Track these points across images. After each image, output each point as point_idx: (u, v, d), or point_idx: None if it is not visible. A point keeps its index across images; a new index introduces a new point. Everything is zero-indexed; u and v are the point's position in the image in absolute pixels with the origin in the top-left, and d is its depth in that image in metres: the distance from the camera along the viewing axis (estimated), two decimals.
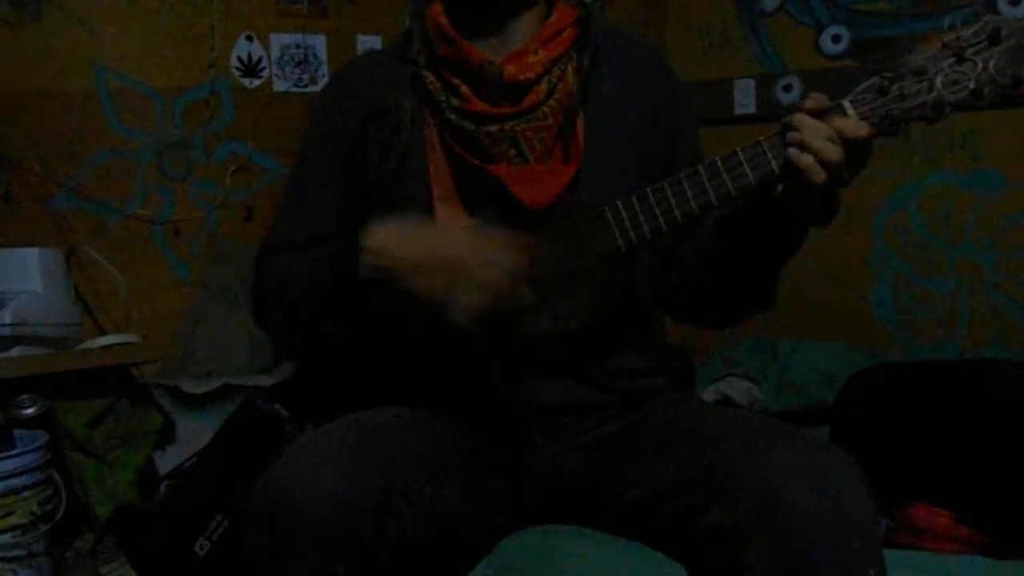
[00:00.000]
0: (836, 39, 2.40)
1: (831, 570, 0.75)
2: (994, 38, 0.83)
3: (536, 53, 1.02)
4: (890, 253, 2.38)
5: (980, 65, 0.83)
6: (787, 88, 2.46)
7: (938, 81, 0.84)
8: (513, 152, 1.01)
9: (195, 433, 1.89)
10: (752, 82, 2.52)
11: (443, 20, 1.04)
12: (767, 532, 0.77)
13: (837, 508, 0.76)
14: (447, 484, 0.92)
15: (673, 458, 0.92)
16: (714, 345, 2.39)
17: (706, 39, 2.63)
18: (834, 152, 0.83)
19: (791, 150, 0.84)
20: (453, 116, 1.02)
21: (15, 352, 1.72)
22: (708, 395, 2.18)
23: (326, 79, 2.31)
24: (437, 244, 0.91)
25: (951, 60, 0.84)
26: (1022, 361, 1.76)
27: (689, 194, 0.89)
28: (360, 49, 2.35)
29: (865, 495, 0.79)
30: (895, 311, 2.39)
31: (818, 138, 0.83)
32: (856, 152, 0.84)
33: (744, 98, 2.53)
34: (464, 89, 1.02)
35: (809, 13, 2.45)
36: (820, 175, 0.83)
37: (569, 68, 1.04)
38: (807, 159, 0.83)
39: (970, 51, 0.83)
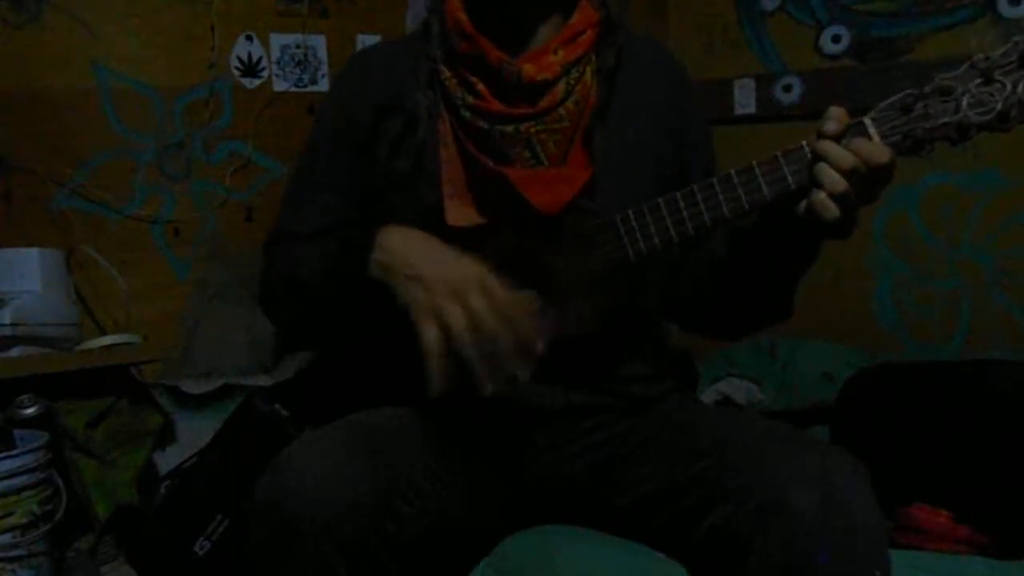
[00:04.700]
0: (836, 39, 2.40)
1: (835, 572, 0.75)
2: None
3: (556, 53, 0.99)
4: (890, 253, 2.37)
5: (1009, 87, 0.79)
6: (787, 88, 2.45)
7: (964, 102, 0.80)
8: (527, 154, 0.99)
9: (195, 433, 1.89)
10: (752, 82, 2.51)
11: (462, 16, 1.02)
12: (770, 533, 0.77)
13: (841, 509, 0.76)
14: (447, 484, 0.92)
15: (675, 459, 0.92)
16: (714, 345, 2.39)
17: (706, 39, 2.63)
18: (848, 188, 0.81)
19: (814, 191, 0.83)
20: (468, 114, 1.00)
21: (15, 352, 1.72)
22: (708, 395, 2.18)
23: (326, 79, 2.30)
24: (445, 263, 0.87)
25: (979, 80, 0.80)
26: (1022, 361, 1.76)
27: (702, 207, 0.87)
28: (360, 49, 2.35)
29: (870, 496, 0.79)
30: (895, 311, 2.39)
31: (835, 176, 0.81)
32: (880, 174, 0.83)
33: (744, 98, 2.52)
34: (481, 87, 1.00)
35: (809, 13, 2.45)
36: (834, 212, 0.82)
37: (588, 70, 1.02)
38: (822, 195, 0.82)
39: (998, 72, 0.80)
